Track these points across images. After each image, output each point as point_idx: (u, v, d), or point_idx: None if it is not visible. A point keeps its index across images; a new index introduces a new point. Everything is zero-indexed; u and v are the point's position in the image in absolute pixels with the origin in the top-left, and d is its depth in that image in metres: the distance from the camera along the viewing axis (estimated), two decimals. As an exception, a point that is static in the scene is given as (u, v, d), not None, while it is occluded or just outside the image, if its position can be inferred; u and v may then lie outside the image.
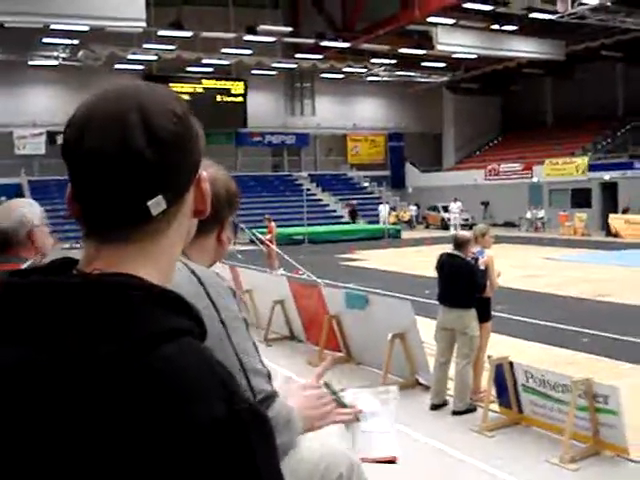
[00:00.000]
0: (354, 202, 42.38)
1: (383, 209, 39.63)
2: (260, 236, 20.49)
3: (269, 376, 1.67)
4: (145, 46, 37.95)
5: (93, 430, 0.78)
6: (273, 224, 21.97)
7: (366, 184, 48.46)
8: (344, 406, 1.70)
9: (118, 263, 0.92)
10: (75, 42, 36.68)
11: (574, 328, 11.64)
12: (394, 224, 38.85)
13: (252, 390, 1.57)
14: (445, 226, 38.70)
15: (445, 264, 7.65)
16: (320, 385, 1.71)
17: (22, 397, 0.81)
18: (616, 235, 31.70)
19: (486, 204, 42.75)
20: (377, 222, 39.69)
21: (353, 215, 41.49)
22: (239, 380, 1.16)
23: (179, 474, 0.78)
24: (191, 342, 0.86)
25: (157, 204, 0.91)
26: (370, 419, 1.67)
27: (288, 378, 1.73)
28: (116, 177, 0.90)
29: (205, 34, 37.32)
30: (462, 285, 7.37)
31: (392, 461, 1.64)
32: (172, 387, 0.80)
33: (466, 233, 8.21)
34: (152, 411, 0.79)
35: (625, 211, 34.07)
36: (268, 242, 20.58)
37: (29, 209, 2.81)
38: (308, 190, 41.73)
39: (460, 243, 7.59)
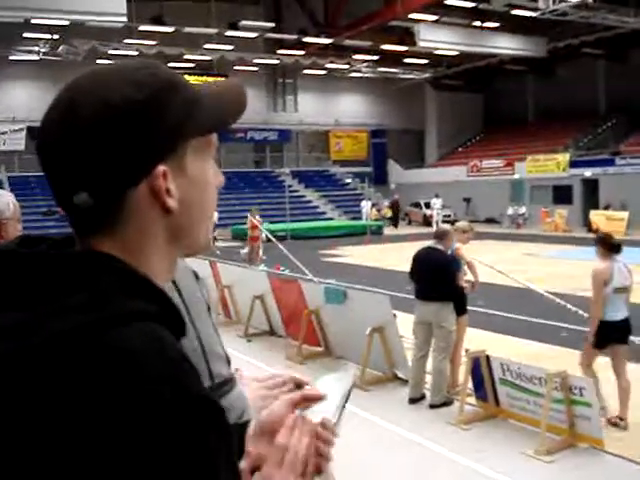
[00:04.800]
0: (396, 197, 42.40)
1: (365, 205, 39.68)
2: (267, 233, 19.66)
3: (228, 361, 1.65)
4: (126, 41, 37.73)
5: (33, 408, 0.77)
6: (259, 219, 22.00)
7: (349, 180, 48.43)
8: None
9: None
10: (56, 37, 36.39)
11: (552, 322, 11.70)
12: (376, 220, 38.91)
13: (211, 374, 1.56)
14: (427, 222, 38.74)
15: (422, 257, 7.68)
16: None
17: None
18: (597, 231, 31.68)
19: (468, 200, 42.87)
20: (360, 218, 39.70)
21: (395, 210, 41.37)
22: (199, 364, 1.15)
23: (105, 456, 0.76)
24: (148, 326, 0.84)
25: (81, 199, 0.89)
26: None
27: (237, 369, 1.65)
28: (48, 169, 0.94)
29: (187, 29, 37.19)
30: (439, 278, 7.40)
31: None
32: (119, 366, 0.79)
33: (446, 226, 8.28)
34: (93, 388, 0.78)
35: (606, 207, 34.24)
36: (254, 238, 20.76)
37: None
38: (290, 186, 41.69)
39: (440, 235, 7.66)
